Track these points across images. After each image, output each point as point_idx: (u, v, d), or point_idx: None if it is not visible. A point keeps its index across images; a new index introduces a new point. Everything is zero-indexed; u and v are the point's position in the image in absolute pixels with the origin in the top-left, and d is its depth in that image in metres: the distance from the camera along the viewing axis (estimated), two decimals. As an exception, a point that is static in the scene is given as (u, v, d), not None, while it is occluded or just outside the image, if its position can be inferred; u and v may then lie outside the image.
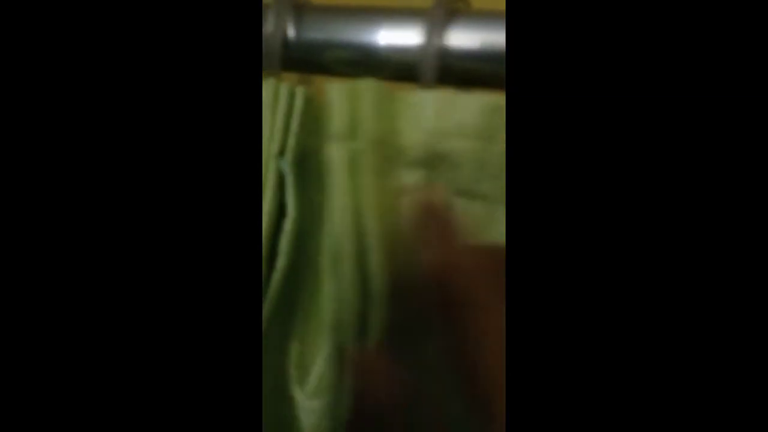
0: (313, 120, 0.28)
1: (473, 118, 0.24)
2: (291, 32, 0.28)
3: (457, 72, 0.25)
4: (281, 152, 0.27)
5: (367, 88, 0.24)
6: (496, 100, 0.24)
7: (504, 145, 0.24)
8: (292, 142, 0.27)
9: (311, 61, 0.28)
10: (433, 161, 0.25)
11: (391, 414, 0.23)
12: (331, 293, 0.24)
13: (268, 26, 0.28)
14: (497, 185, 0.24)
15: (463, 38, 0.25)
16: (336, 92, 0.24)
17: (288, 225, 0.28)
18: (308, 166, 0.28)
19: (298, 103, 0.27)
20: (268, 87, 0.27)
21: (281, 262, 0.28)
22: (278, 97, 0.27)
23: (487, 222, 0.24)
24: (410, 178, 0.25)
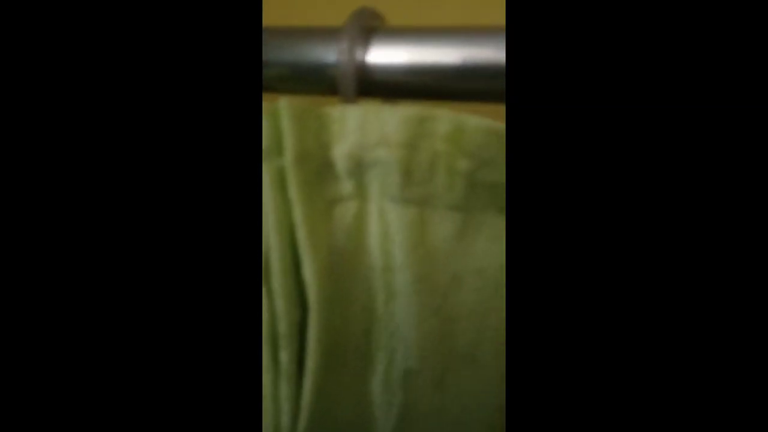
0: None
1: (396, 129, 0.25)
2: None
3: (377, 86, 0.26)
4: None
5: (285, 106, 0.25)
6: (418, 111, 0.25)
7: (427, 153, 0.25)
8: None
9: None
10: (362, 171, 0.26)
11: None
12: (265, 306, 0.24)
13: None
14: (424, 190, 0.25)
15: (381, 54, 0.26)
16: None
17: None
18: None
19: None
20: None
21: None
22: None
23: (420, 224, 0.26)
24: (343, 188, 0.26)
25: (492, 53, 0.25)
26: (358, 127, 0.25)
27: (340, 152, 0.25)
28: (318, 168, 0.25)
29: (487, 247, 0.25)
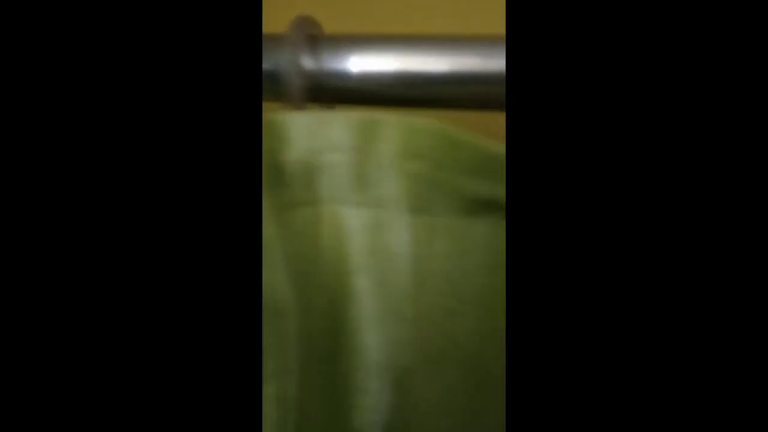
0: None
1: (344, 133, 0.25)
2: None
3: (326, 92, 0.26)
4: None
5: None
6: (365, 116, 0.25)
7: (377, 156, 0.25)
8: None
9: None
10: (314, 176, 0.25)
11: None
12: None
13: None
14: (378, 193, 0.25)
15: (327, 61, 0.26)
16: None
17: None
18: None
19: None
20: None
21: None
22: None
23: (376, 228, 0.26)
24: (294, 194, 0.25)
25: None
26: (307, 133, 0.25)
27: (293, 157, 0.25)
28: (269, 175, 0.25)
29: (449, 249, 0.26)
